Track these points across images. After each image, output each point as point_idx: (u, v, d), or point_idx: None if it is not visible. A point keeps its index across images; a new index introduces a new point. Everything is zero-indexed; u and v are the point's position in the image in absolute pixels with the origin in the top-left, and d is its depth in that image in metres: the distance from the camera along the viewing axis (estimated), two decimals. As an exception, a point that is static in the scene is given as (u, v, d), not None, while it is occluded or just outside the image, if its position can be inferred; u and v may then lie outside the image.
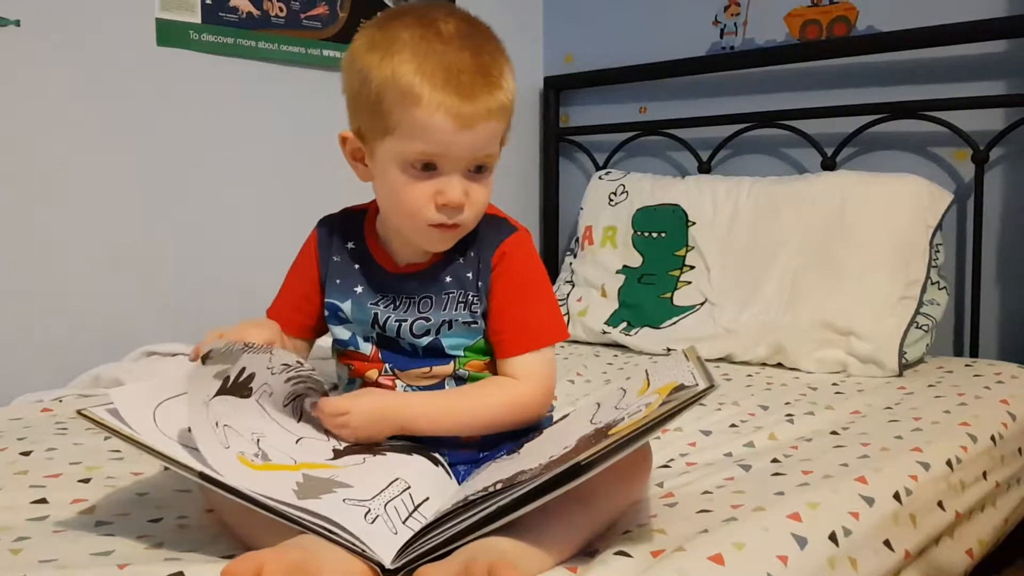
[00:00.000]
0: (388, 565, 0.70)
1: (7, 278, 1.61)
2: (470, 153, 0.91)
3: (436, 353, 0.99)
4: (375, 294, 1.01)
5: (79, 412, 0.81)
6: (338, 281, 1.03)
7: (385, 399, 0.96)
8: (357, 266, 1.03)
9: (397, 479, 0.83)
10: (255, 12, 1.92)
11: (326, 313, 1.04)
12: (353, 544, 0.70)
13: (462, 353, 0.99)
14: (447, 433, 0.96)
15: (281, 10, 1.97)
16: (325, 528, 0.71)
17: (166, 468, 1.04)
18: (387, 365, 1.00)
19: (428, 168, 0.91)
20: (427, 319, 0.98)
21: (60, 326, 1.68)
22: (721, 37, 2.26)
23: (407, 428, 0.94)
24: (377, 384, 1.00)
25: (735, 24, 2.23)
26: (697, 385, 0.74)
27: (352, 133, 0.97)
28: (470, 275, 0.99)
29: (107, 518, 0.89)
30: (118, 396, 0.82)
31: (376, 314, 1.00)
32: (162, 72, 1.80)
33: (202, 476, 0.74)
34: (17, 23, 1.60)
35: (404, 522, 0.77)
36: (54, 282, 1.67)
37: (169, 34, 1.80)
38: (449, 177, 0.91)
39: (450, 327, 0.98)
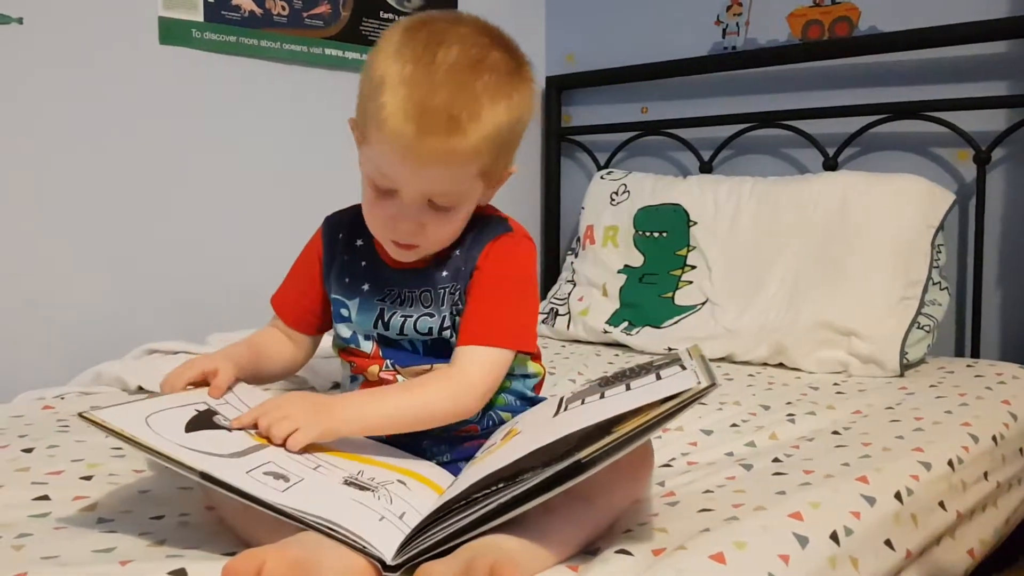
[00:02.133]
0: (389, 562, 0.70)
1: (8, 276, 1.61)
2: (422, 188, 0.90)
3: (438, 351, 0.99)
4: (381, 290, 1.01)
5: (80, 415, 0.81)
6: (347, 279, 1.03)
7: (315, 395, 0.93)
8: (364, 263, 1.03)
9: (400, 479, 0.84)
10: (257, 11, 1.92)
11: (331, 309, 1.04)
12: (354, 541, 0.70)
13: None
14: (394, 427, 0.92)
15: (283, 9, 1.97)
16: (325, 525, 0.71)
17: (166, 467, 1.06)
18: (388, 361, 1.00)
19: (389, 190, 0.91)
20: (431, 315, 0.98)
21: (62, 324, 1.68)
22: (723, 37, 2.26)
23: (350, 420, 0.88)
24: (380, 380, 1.00)
25: (737, 24, 2.23)
26: (700, 383, 0.74)
27: (354, 121, 0.97)
28: (463, 268, 0.99)
29: (109, 515, 0.89)
30: (107, 414, 0.82)
31: (382, 310, 1.00)
32: (164, 70, 1.80)
33: (203, 475, 0.74)
34: (20, 21, 1.60)
35: (401, 517, 0.77)
36: (55, 280, 1.67)
37: (171, 32, 1.80)
38: (404, 207, 0.91)
39: (454, 327, 0.98)
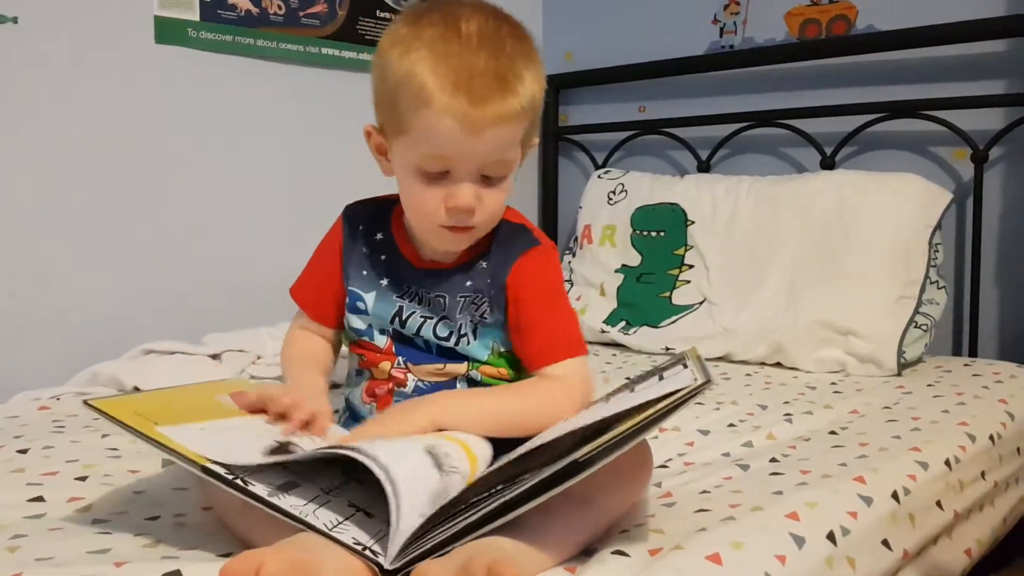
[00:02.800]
0: (387, 566, 0.70)
1: (4, 276, 1.61)
2: (480, 159, 0.89)
3: (452, 352, 0.99)
4: (400, 287, 1.00)
5: (85, 403, 0.81)
6: (364, 272, 1.02)
7: (421, 399, 0.92)
8: (384, 257, 1.02)
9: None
10: (254, 10, 1.92)
11: (347, 300, 1.03)
12: (351, 544, 0.70)
13: (478, 358, 0.99)
14: (475, 427, 0.90)
15: (280, 8, 1.97)
16: (322, 528, 0.71)
17: (165, 464, 1.05)
18: (400, 358, 1.00)
19: (440, 172, 0.90)
20: (449, 319, 0.98)
21: (58, 324, 1.68)
22: (720, 36, 2.26)
23: (438, 418, 0.88)
24: (390, 376, 1.00)
25: (734, 23, 2.23)
26: (696, 380, 0.74)
27: (375, 128, 0.97)
28: (489, 281, 0.99)
29: (104, 516, 0.89)
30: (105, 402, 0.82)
31: (401, 307, 1.00)
32: (160, 70, 1.80)
33: (205, 470, 0.74)
34: (15, 20, 1.60)
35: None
36: (52, 280, 1.67)
37: (167, 31, 1.80)
38: (460, 182, 0.90)
39: (471, 334, 0.98)
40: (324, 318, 1.06)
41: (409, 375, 0.99)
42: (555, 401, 0.92)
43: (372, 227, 1.04)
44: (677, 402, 0.72)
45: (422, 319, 0.99)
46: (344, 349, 1.10)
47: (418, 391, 0.99)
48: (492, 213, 0.94)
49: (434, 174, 0.91)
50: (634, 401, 0.73)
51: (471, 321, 0.98)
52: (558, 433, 0.74)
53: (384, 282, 1.01)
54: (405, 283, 1.00)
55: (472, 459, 0.83)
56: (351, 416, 1.05)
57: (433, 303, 0.99)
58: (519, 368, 1.01)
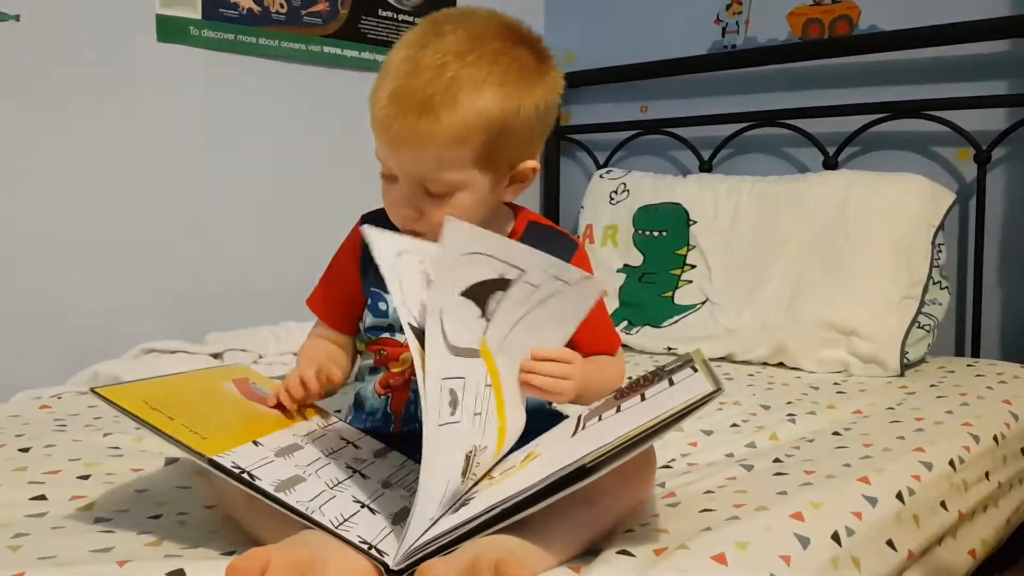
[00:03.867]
0: (393, 566, 0.70)
1: (6, 275, 1.61)
2: (407, 174, 0.91)
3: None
4: None
5: (92, 390, 0.80)
6: None
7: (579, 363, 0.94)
8: None
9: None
10: (256, 8, 1.92)
11: (368, 301, 1.03)
12: (357, 543, 0.70)
13: None
14: (591, 400, 0.95)
15: (282, 6, 1.96)
16: (328, 524, 0.70)
17: (168, 462, 1.05)
18: None
19: (391, 177, 0.94)
20: None
21: (59, 323, 1.67)
22: (723, 36, 2.25)
23: (583, 394, 0.93)
24: (412, 367, 0.98)
25: (737, 23, 2.23)
26: (708, 388, 0.74)
27: None
28: None
29: (106, 515, 0.89)
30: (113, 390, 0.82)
31: None
32: (162, 68, 1.80)
33: (211, 463, 0.74)
34: (17, 18, 1.59)
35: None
36: (53, 279, 1.67)
37: (169, 30, 1.79)
38: (400, 191, 0.93)
39: None
40: (341, 325, 1.07)
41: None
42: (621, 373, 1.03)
43: (390, 230, 1.04)
44: (686, 410, 0.72)
45: None
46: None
47: None
48: (439, 224, 0.92)
49: (387, 176, 0.95)
50: (651, 415, 0.73)
51: None
52: (579, 454, 0.73)
53: None
54: None
55: (500, 447, 0.85)
56: (357, 410, 1.04)
57: None
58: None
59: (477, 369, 0.82)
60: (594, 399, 0.93)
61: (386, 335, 1.01)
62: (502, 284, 0.85)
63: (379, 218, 1.07)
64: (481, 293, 0.84)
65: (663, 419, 0.71)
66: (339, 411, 1.16)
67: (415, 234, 0.94)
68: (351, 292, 1.05)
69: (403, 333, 0.99)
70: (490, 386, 0.83)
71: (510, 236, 1.02)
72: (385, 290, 1.01)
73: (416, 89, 0.87)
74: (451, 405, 0.76)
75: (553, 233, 1.05)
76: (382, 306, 1.02)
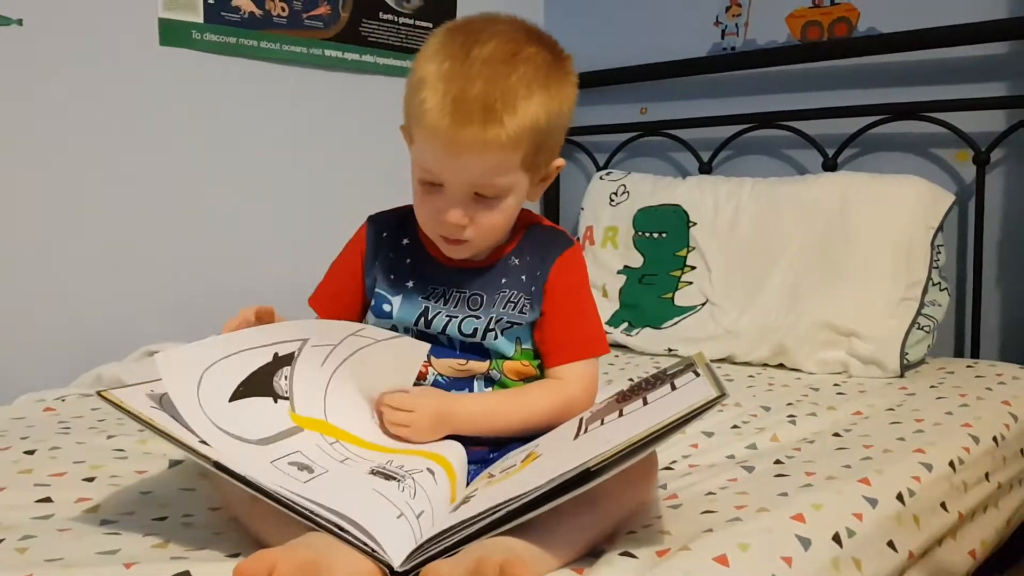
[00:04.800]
0: (397, 567, 0.70)
1: (9, 277, 1.61)
2: (463, 181, 0.92)
3: (474, 348, 1.00)
4: (427, 288, 1.02)
5: (99, 393, 0.81)
6: (392, 276, 1.04)
7: (444, 400, 0.96)
8: (409, 260, 1.04)
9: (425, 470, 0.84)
10: (257, 12, 1.92)
11: (372, 303, 1.04)
12: (363, 544, 0.70)
13: (504, 353, 1.00)
14: (496, 434, 0.97)
15: (283, 10, 1.97)
16: (336, 526, 0.71)
17: (172, 465, 1.06)
18: None
19: (436, 183, 0.94)
20: (477, 317, 1.00)
21: (62, 326, 1.68)
22: (722, 38, 2.26)
23: (460, 429, 0.95)
24: None
25: (736, 25, 2.24)
26: (712, 394, 0.74)
27: (404, 128, 1.00)
28: (524, 278, 1.02)
29: (112, 517, 0.89)
30: (165, 360, 0.82)
31: (427, 308, 1.01)
32: (164, 72, 1.80)
33: (216, 465, 0.74)
34: (20, 23, 1.60)
35: (419, 516, 0.77)
36: (56, 282, 1.67)
37: (172, 34, 1.80)
38: (450, 199, 0.93)
39: (499, 330, 1.00)
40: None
41: (430, 368, 1.00)
42: (551, 407, 0.98)
43: (398, 233, 1.06)
44: (689, 416, 0.72)
45: (447, 318, 1.00)
46: None
47: (437, 384, 1.01)
48: (487, 230, 0.97)
49: (430, 184, 0.95)
50: (654, 420, 0.73)
51: (507, 319, 1.00)
52: (582, 457, 0.73)
53: (410, 284, 1.03)
54: (432, 284, 1.02)
55: (440, 459, 0.87)
56: None
57: (468, 301, 1.01)
58: (541, 369, 1.04)
59: (306, 439, 0.87)
60: (510, 432, 0.97)
61: None
62: (282, 361, 0.90)
63: (388, 219, 1.08)
64: (260, 382, 0.88)
65: (667, 424, 0.72)
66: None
67: (457, 242, 0.96)
68: (354, 292, 1.07)
69: (405, 336, 1.00)
70: (337, 441, 0.88)
71: (512, 235, 1.04)
72: (391, 292, 1.02)
73: (475, 97, 0.87)
74: (303, 470, 0.80)
75: (553, 233, 1.07)
76: (386, 307, 1.03)
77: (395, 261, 1.05)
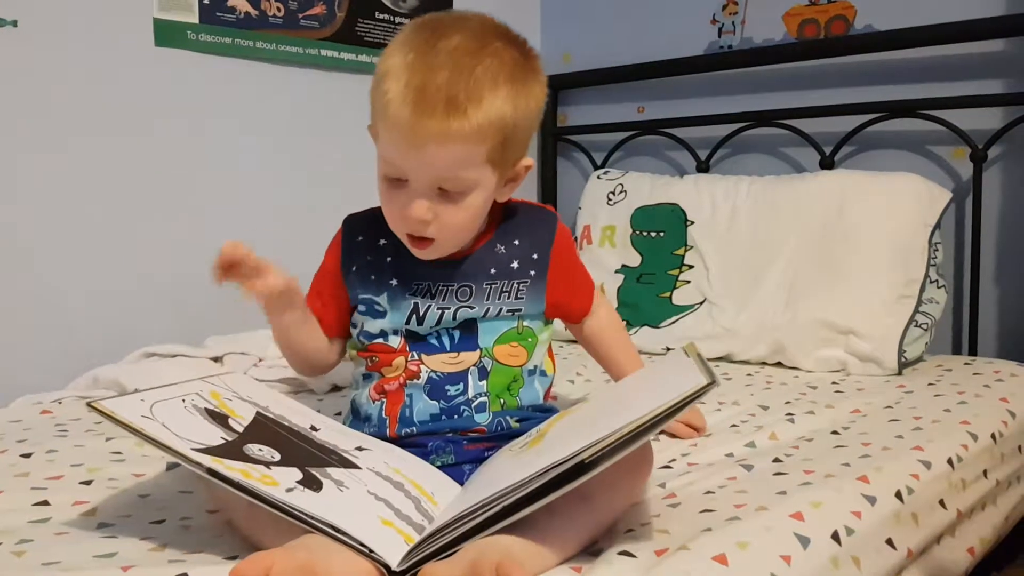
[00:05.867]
0: (395, 567, 0.70)
1: (5, 279, 1.61)
2: (427, 174, 0.91)
3: (464, 343, 1.00)
4: (412, 285, 1.01)
5: (88, 404, 0.80)
6: (373, 277, 1.02)
7: None
8: (390, 259, 1.03)
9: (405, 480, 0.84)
10: (253, 12, 1.92)
11: (361, 308, 1.03)
12: (359, 546, 0.70)
13: (491, 342, 1.00)
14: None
15: (279, 10, 1.97)
16: (331, 528, 0.71)
17: (170, 467, 1.05)
18: (413, 353, 1.00)
19: (399, 179, 0.93)
20: (470, 307, 0.99)
21: (59, 328, 1.67)
22: (719, 36, 2.26)
23: None
24: (406, 371, 1.00)
25: (733, 23, 2.23)
26: (701, 381, 0.74)
27: (371, 127, 0.99)
28: (516, 265, 1.01)
29: (110, 520, 0.89)
30: (109, 403, 0.82)
31: (416, 304, 1.00)
32: (160, 72, 1.80)
33: (210, 472, 0.74)
34: (14, 24, 1.60)
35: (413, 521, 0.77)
36: (52, 283, 1.67)
37: (167, 34, 1.80)
38: (413, 193, 0.92)
39: (492, 317, 1.00)
40: (328, 328, 1.07)
41: (422, 366, 0.99)
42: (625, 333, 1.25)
43: (374, 234, 1.05)
44: (680, 404, 0.72)
45: (439, 311, 0.99)
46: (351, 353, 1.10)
47: (431, 382, 0.99)
48: (451, 228, 0.95)
49: (394, 180, 0.94)
50: (645, 408, 0.73)
51: (505, 308, 1.00)
52: (574, 447, 0.73)
53: (393, 282, 1.01)
54: (417, 280, 1.01)
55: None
56: (354, 418, 1.05)
57: (456, 293, 1.00)
58: (533, 349, 1.03)
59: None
60: None
61: (379, 340, 1.02)
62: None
63: (364, 220, 1.07)
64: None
65: (659, 413, 0.72)
66: (339, 413, 1.17)
67: (422, 241, 0.95)
68: (338, 296, 1.06)
69: (396, 337, 1.00)
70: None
71: (488, 223, 1.04)
72: (374, 294, 1.02)
73: (439, 87, 0.87)
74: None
75: (534, 209, 1.09)
76: (379, 308, 1.02)
77: (374, 263, 1.03)
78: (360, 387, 1.04)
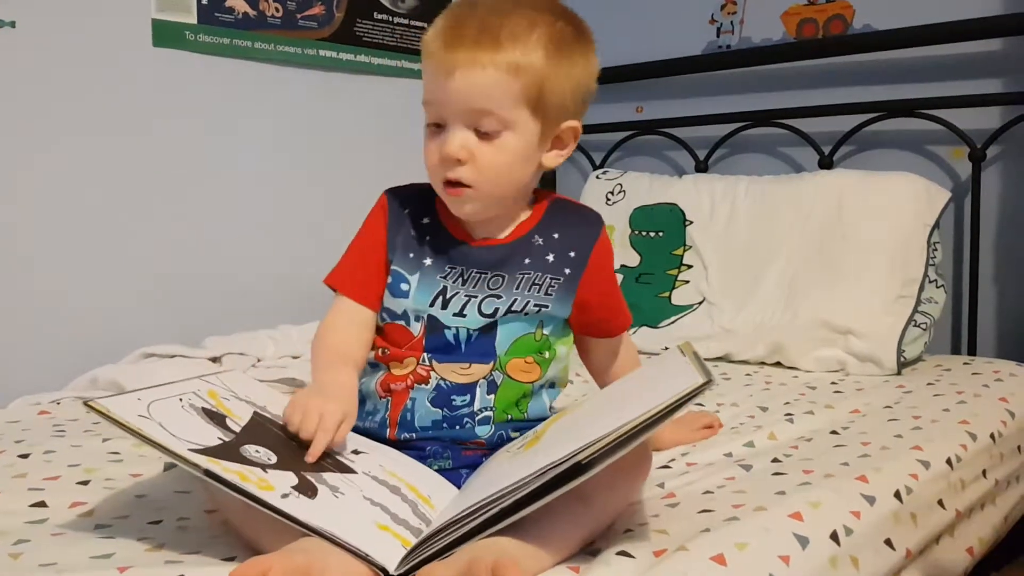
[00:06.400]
0: (392, 572, 0.70)
1: (4, 280, 1.61)
2: (458, 101, 0.91)
3: (479, 349, 0.97)
4: (444, 267, 0.99)
5: (86, 404, 0.80)
6: (411, 254, 1.00)
7: None
8: (429, 238, 1.01)
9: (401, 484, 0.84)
10: (251, 12, 1.92)
11: (389, 280, 1.00)
12: (356, 549, 0.70)
13: (507, 347, 0.98)
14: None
15: (277, 10, 1.96)
16: (327, 532, 0.71)
17: (167, 468, 1.05)
18: (426, 355, 0.97)
19: (437, 123, 0.94)
20: (497, 296, 0.97)
21: (57, 328, 1.67)
22: (718, 36, 2.26)
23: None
24: (415, 374, 0.97)
25: (732, 23, 2.23)
26: (697, 380, 0.74)
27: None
28: (551, 258, 0.99)
29: (107, 521, 0.89)
30: (106, 403, 0.81)
31: (444, 287, 0.98)
32: (158, 73, 1.80)
33: (207, 473, 0.74)
34: (12, 24, 1.59)
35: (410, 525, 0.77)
36: (51, 284, 1.67)
37: (165, 35, 1.80)
38: (451, 132, 0.93)
39: (518, 311, 0.97)
40: (367, 298, 1.02)
41: (432, 373, 0.97)
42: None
43: (417, 211, 1.03)
44: (677, 404, 0.72)
45: (466, 298, 0.97)
46: None
47: (439, 389, 0.97)
48: (488, 171, 0.94)
49: (433, 126, 0.95)
50: (641, 408, 0.73)
51: (533, 302, 0.98)
52: (571, 446, 0.73)
53: (428, 262, 0.99)
54: (451, 263, 0.99)
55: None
56: (358, 406, 1.02)
57: (488, 281, 0.98)
58: (548, 365, 1.01)
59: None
60: None
61: (401, 322, 0.99)
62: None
63: (407, 194, 1.05)
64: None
65: (655, 413, 0.71)
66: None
67: (458, 187, 0.94)
68: (378, 264, 1.02)
69: (416, 324, 0.98)
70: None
71: (533, 213, 1.03)
72: (407, 270, 1.00)
73: (473, 24, 0.90)
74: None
75: (582, 209, 1.08)
76: (404, 287, 0.99)
77: (415, 238, 1.01)
78: (368, 375, 1.01)
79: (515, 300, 0.97)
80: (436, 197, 1.02)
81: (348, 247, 1.05)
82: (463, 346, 0.97)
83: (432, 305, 0.98)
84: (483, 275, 0.98)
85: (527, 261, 0.99)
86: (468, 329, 0.97)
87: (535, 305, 0.98)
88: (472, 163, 0.93)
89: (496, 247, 0.99)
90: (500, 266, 0.98)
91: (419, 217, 1.03)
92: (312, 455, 0.83)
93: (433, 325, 0.98)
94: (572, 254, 1.00)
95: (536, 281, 0.98)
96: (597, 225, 1.05)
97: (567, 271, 1.00)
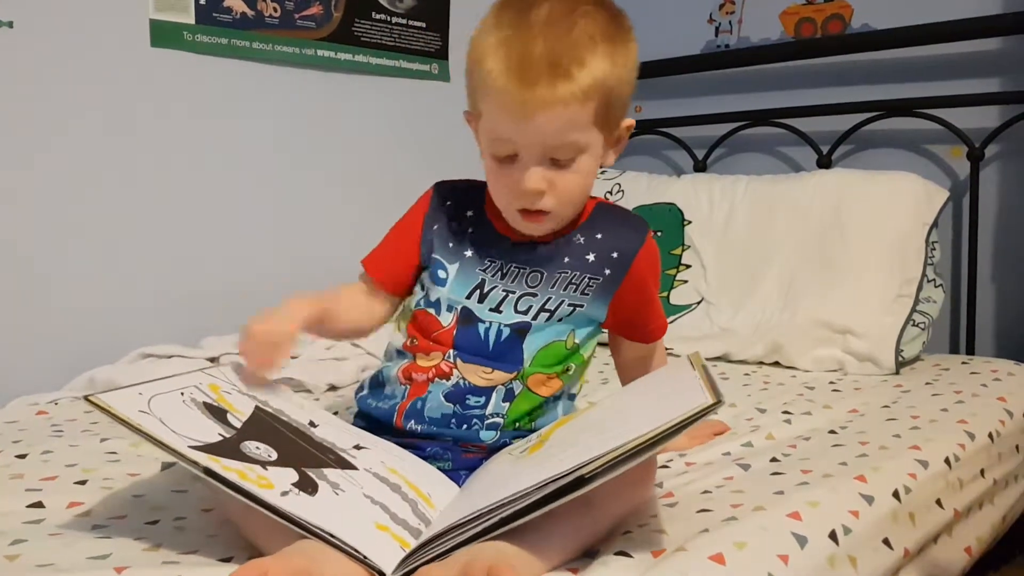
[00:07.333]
0: (389, 574, 0.70)
1: (2, 280, 1.60)
2: (538, 142, 0.90)
3: (506, 352, 0.97)
4: (484, 260, 1.00)
5: (86, 398, 0.80)
6: (450, 244, 1.01)
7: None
8: (471, 230, 1.02)
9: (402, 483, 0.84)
10: (249, 12, 1.92)
11: (429, 268, 1.02)
12: (354, 552, 0.70)
13: (534, 352, 0.97)
14: None
15: (275, 10, 1.96)
16: (325, 533, 0.71)
17: (165, 467, 1.05)
18: (452, 352, 0.97)
19: (509, 155, 0.92)
20: (533, 294, 0.98)
21: (55, 329, 1.67)
22: (716, 35, 2.26)
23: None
24: (437, 368, 0.97)
25: (730, 22, 2.24)
26: (707, 400, 0.74)
27: (468, 113, 0.99)
28: (591, 258, 0.99)
29: (104, 521, 0.89)
30: (107, 397, 0.81)
31: (483, 280, 0.99)
32: (156, 73, 1.79)
33: (207, 471, 0.74)
34: (10, 25, 1.59)
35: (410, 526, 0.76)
36: (48, 284, 1.66)
37: (163, 35, 1.79)
38: (527, 166, 0.92)
39: (551, 309, 0.98)
40: (388, 283, 1.05)
41: (455, 371, 0.97)
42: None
43: (462, 204, 1.04)
44: (685, 422, 0.72)
45: (504, 293, 0.98)
46: (388, 326, 1.08)
47: (458, 388, 0.97)
48: (567, 196, 0.94)
49: (503, 157, 0.93)
50: (645, 427, 0.72)
51: (567, 301, 0.98)
52: (577, 460, 0.73)
53: (468, 253, 1.00)
54: (492, 257, 1.00)
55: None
56: (373, 389, 1.03)
57: (527, 277, 0.98)
58: (569, 380, 1.01)
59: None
60: None
61: (431, 310, 0.99)
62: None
63: (455, 188, 1.06)
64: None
65: (661, 431, 0.71)
66: (335, 413, 1.16)
67: (537, 215, 0.94)
68: (409, 253, 1.04)
69: (449, 312, 0.98)
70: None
71: (579, 217, 1.02)
72: (448, 259, 1.00)
73: (540, 55, 0.87)
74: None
75: (629, 215, 1.07)
76: (442, 274, 1.00)
77: (456, 229, 1.02)
78: (393, 360, 1.02)
79: (549, 299, 0.98)
80: (485, 192, 1.03)
81: (388, 232, 1.08)
82: (491, 346, 0.98)
83: (469, 298, 0.99)
84: (522, 270, 0.99)
85: (567, 260, 0.99)
86: (501, 325, 0.97)
87: (570, 304, 0.98)
88: (552, 192, 0.93)
89: (539, 244, 1.00)
90: (540, 263, 0.99)
91: (463, 209, 1.04)
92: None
93: (467, 317, 0.98)
94: (615, 255, 1.01)
95: (574, 281, 0.99)
96: (643, 230, 1.04)
97: (607, 272, 1.00)
